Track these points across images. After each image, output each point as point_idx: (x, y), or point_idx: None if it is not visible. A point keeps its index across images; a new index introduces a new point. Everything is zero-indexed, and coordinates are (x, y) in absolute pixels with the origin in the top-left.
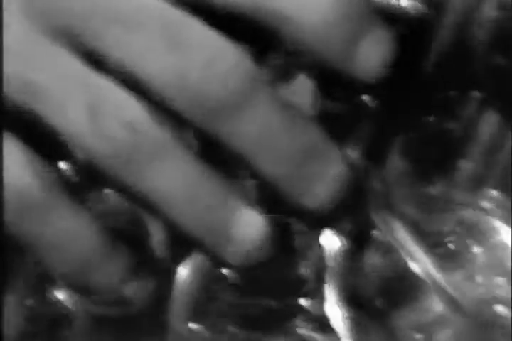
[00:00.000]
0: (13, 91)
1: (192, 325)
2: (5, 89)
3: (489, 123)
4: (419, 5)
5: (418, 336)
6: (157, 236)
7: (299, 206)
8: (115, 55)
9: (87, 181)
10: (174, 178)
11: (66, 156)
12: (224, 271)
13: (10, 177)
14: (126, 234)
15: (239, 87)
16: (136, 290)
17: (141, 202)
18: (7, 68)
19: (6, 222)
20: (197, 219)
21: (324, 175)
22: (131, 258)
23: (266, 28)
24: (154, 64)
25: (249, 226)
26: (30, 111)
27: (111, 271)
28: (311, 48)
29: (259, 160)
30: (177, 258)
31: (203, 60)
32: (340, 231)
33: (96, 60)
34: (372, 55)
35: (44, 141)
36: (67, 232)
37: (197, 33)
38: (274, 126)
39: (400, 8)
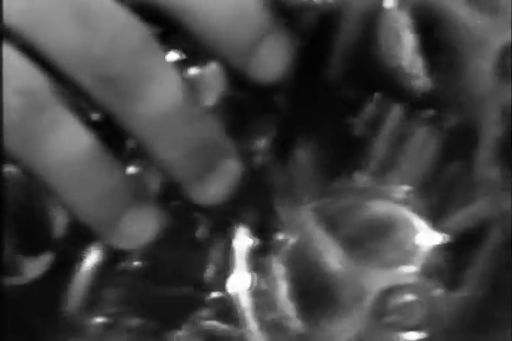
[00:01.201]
0: None
1: (88, 320)
2: None
3: (392, 118)
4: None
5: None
6: (61, 214)
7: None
8: (20, 23)
9: None
10: (66, 153)
11: None
12: (125, 257)
13: None
14: (26, 210)
15: (143, 65)
16: (28, 264)
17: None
18: None
19: None
20: (87, 206)
21: (217, 171)
22: (26, 234)
23: (170, 17)
24: (60, 34)
25: (139, 223)
26: None
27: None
28: (211, 43)
29: (155, 145)
30: (79, 241)
31: (109, 34)
32: (245, 226)
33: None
34: (270, 59)
35: None
36: None
37: (105, 7)
38: (175, 111)
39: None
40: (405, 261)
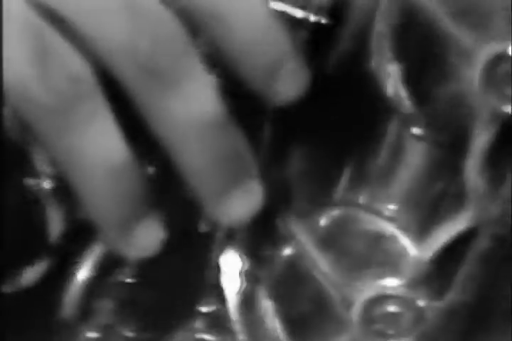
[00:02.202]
0: None
1: (83, 330)
2: None
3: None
4: (318, 16)
5: None
6: (56, 223)
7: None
8: (69, 11)
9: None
10: (97, 147)
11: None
12: (121, 269)
13: None
14: (24, 217)
15: (183, 64)
16: (24, 272)
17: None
18: None
19: None
20: (106, 208)
21: (241, 190)
22: (22, 242)
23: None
24: (109, 24)
25: (147, 231)
26: None
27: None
28: (233, 62)
29: (182, 148)
30: (75, 248)
31: (155, 29)
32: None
33: (50, 15)
34: (291, 83)
35: None
36: None
37: (152, 3)
38: (208, 115)
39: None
40: (391, 274)
